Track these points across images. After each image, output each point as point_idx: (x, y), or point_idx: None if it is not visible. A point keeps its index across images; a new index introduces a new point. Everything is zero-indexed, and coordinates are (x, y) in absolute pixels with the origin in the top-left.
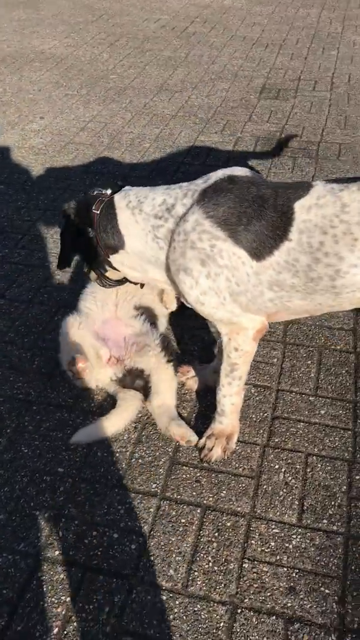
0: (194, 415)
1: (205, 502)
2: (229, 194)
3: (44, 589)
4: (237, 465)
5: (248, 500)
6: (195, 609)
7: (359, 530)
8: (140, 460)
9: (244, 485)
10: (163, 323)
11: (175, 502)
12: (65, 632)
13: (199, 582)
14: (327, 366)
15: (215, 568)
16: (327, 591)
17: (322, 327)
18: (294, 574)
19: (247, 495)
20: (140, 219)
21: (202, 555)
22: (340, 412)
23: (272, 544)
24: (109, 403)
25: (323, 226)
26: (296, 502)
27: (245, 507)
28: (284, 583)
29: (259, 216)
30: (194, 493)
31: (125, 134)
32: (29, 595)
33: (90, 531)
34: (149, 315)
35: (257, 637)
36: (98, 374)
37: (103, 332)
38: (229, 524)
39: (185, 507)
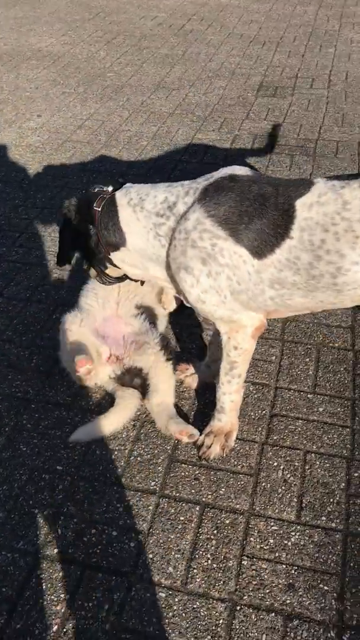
0: (193, 413)
1: (204, 499)
2: (230, 192)
3: (43, 586)
4: (235, 462)
5: (247, 498)
6: (195, 606)
7: (357, 527)
8: (139, 458)
9: (242, 482)
10: (163, 323)
11: (174, 499)
12: (64, 630)
13: (198, 580)
14: (326, 364)
15: (214, 565)
16: (325, 588)
17: (321, 325)
18: (292, 571)
19: (246, 493)
20: (142, 217)
21: (201, 552)
22: (339, 409)
23: (271, 541)
24: (108, 401)
25: (324, 224)
26: (295, 500)
27: (244, 504)
28: (283, 580)
29: (260, 215)
30: (193, 491)
31: (122, 132)
32: (28, 593)
33: (89, 529)
34: (149, 315)
35: (256, 634)
36: (97, 372)
37: (103, 330)
38: (227, 522)
39: (184, 504)
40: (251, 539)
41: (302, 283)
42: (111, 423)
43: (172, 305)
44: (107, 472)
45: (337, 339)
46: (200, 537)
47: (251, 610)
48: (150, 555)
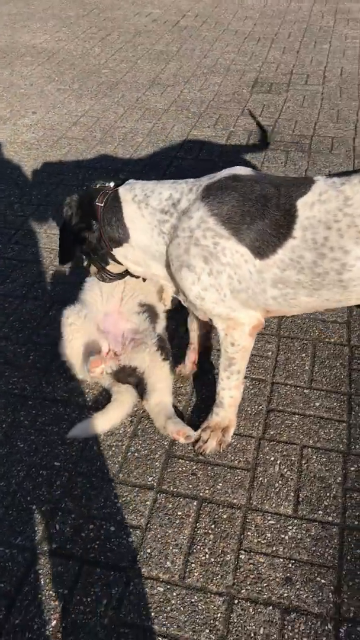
0: (190, 409)
1: (201, 494)
2: (233, 192)
3: (42, 582)
4: (232, 457)
5: (244, 492)
6: (193, 600)
7: (354, 520)
8: (136, 454)
9: (239, 477)
10: (162, 323)
11: (171, 494)
12: (63, 625)
13: (196, 574)
14: (322, 359)
15: (212, 560)
16: (323, 581)
17: (316, 320)
18: (290, 565)
19: (243, 488)
20: (147, 213)
21: (198, 547)
22: (335, 404)
23: (268, 535)
24: (105, 397)
25: (327, 221)
26: (292, 494)
27: (241, 499)
28: (280, 574)
29: (262, 215)
30: (190, 486)
31: (117, 129)
32: (27, 589)
33: (87, 524)
34: (151, 314)
35: (254, 627)
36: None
37: (104, 325)
38: (225, 516)
39: (181, 499)
40: (248, 533)
41: (306, 282)
42: (109, 419)
43: (171, 303)
44: (105, 468)
45: (333, 335)
46: (198, 531)
47: (249, 604)
48: (148, 550)
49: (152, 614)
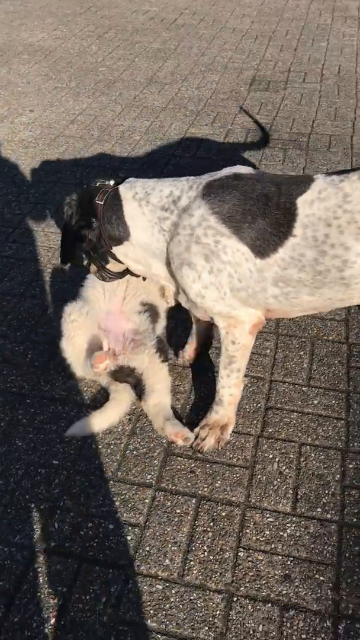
0: (188, 406)
1: (200, 492)
2: (235, 191)
3: (41, 580)
4: (231, 455)
5: (242, 490)
6: (192, 597)
7: (352, 518)
8: (134, 452)
9: (238, 475)
10: (163, 320)
11: (170, 492)
12: (62, 623)
13: (194, 572)
14: (320, 357)
15: (211, 557)
16: (321, 578)
17: (315, 318)
18: (288, 562)
19: (242, 485)
20: (147, 211)
21: (197, 544)
22: (333, 401)
23: (267, 532)
24: (103, 396)
25: (327, 218)
26: (290, 491)
27: (239, 496)
28: (279, 571)
29: (263, 214)
30: (189, 484)
31: (115, 127)
32: (26, 587)
33: (86, 523)
34: (152, 313)
35: (253, 624)
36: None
37: (105, 324)
38: (224, 514)
39: (180, 497)
40: (247, 530)
41: (308, 280)
42: (107, 418)
43: (173, 299)
44: (103, 466)
45: (331, 332)
46: (197, 529)
47: (248, 601)
48: (147, 548)
49: (151, 611)
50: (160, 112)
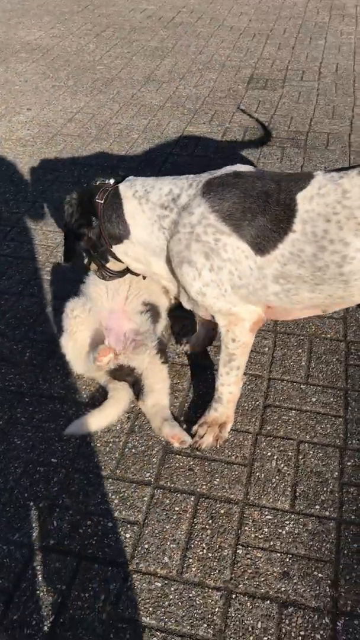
0: (187, 404)
1: (198, 490)
2: (234, 189)
3: (40, 578)
4: (229, 453)
5: (241, 488)
6: (190, 595)
7: (350, 515)
8: (133, 450)
9: (237, 472)
10: (164, 320)
11: (169, 490)
12: (61, 621)
13: (193, 569)
14: (318, 354)
15: (210, 555)
16: (320, 575)
17: (313, 316)
18: (287, 559)
19: (240, 483)
20: (147, 209)
21: (196, 542)
22: (331, 399)
23: (266, 530)
24: (101, 394)
25: (326, 214)
26: (289, 489)
27: (238, 494)
28: (278, 568)
29: (263, 211)
30: (188, 481)
31: (113, 125)
32: (25, 585)
33: (85, 520)
34: (153, 313)
35: (251, 621)
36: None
37: (108, 322)
38: (222, 511)
39: (179, 495)
40: (246, 528)
41: (307, 276)
42: (105, 416)
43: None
44: (102, 464)
45: (329, 330)
46: (196, 527)
47: (246, 598)
48: (146, 546)
49: (150, 609)
50: (158, 110)
